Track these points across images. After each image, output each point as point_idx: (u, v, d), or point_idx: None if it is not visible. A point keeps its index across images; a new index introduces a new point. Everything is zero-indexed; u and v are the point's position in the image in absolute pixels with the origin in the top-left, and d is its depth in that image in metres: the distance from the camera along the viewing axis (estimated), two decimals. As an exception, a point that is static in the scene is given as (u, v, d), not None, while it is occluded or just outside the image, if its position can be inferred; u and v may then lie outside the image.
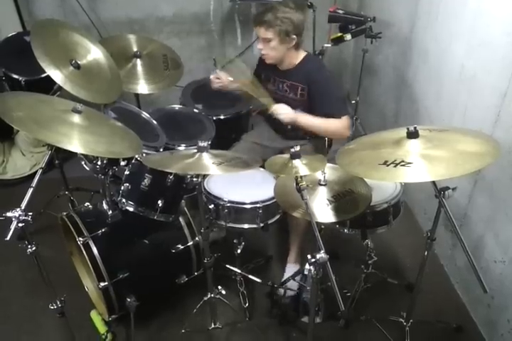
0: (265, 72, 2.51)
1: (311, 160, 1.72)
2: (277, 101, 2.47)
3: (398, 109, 3.17)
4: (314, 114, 2.30)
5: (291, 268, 2.43)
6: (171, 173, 1.97)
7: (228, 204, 2.06)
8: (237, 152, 2.51)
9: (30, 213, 1.50)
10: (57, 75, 2.09)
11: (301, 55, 2.38)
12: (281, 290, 2.31)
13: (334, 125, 2.29)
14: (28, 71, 2.67)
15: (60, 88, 2.16)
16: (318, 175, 1.89)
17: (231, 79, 2.50)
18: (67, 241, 2.33)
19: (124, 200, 2.00)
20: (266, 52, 2.32)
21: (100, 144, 1.71)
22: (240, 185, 2.18)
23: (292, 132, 2.57)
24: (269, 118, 2.66)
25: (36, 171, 1.63)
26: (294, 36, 2.25)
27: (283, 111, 2.30)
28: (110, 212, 2.07)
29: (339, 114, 2.28)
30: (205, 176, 2.16)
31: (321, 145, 2.55)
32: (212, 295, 2.14)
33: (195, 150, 1.74)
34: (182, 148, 2.55)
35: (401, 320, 2.12)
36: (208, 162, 1.70)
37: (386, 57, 3.33)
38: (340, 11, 3.09)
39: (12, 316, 2.34)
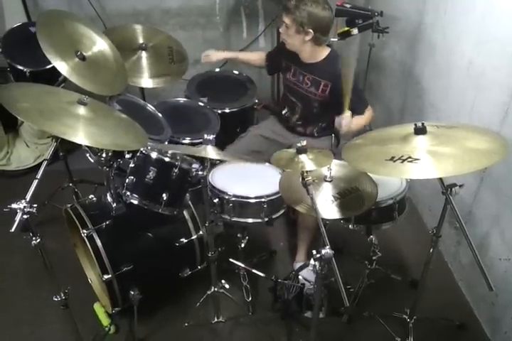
0: (286, 60, 2.51)
1: (318, 156, 1.71)
2: (294, 92, 2.48)
3: (404, 104, 3.15)
4: (340, 108, 2.26)
5: None
6: (175, 166, 1.96)
7: (233, 199, 2.04)
8: (243, 144, 2.51)
9: (35, 205, 1.49)
10: (62, 66, 2.07)
11: (325, 51, 2.39)
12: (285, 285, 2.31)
13: (370, 116, 2.44)
14: (33, 62, 2.65)
15: (65, 79, 2.15)
16: (324, 171, 1.88)
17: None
18: (71, 234, 2.33)
19: (128, 193, 1.99)
20: (284, 38, 2.37)
21: (105, 136, 1.71)
22: (244, 179, 2.18)
23: (300, 128, 2.55)
24: (279, 113, 2.64)
25: (41, 163, 1.63)
26: (311, 30, 2.24)
27: (346, 123, 2.23)
28: (114, 205, 2.08)
29: (366, 105, 2.44)
30: (210, 170, 2.15)
31: (328, 142, 2.53)
32: (216, 289, 2.15)
33: (201, 145, 1.75)
34: (187, 141, 2.54)
35: (404, 316, 2.12)
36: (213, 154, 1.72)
37: (393, 52, 3.30)
38: (348, 5, 3.05)
39: (15, 307, 2.35)
